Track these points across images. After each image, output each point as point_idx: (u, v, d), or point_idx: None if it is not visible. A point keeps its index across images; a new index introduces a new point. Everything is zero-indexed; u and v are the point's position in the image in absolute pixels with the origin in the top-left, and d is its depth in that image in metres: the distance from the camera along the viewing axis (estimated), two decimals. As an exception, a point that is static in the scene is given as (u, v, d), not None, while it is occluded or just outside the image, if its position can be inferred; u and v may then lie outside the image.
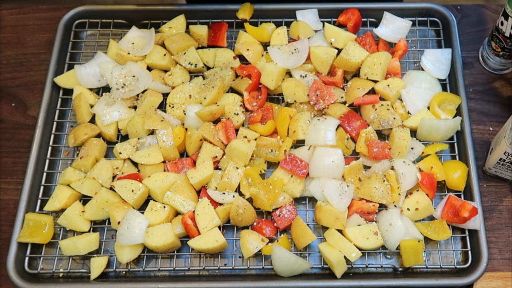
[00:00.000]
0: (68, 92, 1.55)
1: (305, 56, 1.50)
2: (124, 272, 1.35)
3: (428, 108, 1.46)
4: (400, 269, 1.32)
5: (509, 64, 1.52)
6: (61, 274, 1.35)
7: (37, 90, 1.59)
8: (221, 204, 1.35)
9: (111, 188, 1.38)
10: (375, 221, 1.34)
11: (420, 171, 1.36)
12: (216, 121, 1.47)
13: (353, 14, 1.58)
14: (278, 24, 1.61)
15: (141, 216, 1.31)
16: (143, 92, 1.51)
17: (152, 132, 1.45)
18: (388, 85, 1.46)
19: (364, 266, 1.33)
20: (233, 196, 1.34)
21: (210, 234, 1.29)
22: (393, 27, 1.57)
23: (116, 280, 1.33)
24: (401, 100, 1.47)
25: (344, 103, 1.48)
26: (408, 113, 1.45)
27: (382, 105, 1.44)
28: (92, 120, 1.49)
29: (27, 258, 1.34)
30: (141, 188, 1.35)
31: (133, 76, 1.49)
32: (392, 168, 1.36)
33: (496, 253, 1.36)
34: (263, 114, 1.45)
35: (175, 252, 1.35)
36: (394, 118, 1.41)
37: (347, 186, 1.33)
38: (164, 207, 1.34)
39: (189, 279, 1.32)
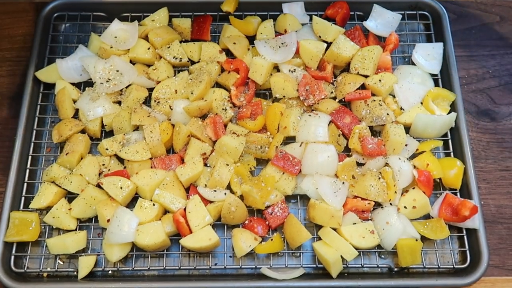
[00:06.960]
0: (49, 86, 1.51)
1: (294, 50, 1.47)
2: (112, 272, 1.31)
3: (421, 103, 1.45)
4: (395, 269, 1.31)
5: None
6: (46, 274, 1.31)
7: (18, 85, 1.54)
8: (211, 202, 1.32)
9: (98, 185, 1.33)
10: (370, 220, 1.32)
11: (415, 168, 1.35)
12: (202, 117, 1.43)
13: (341, 7, 1.57)
14: (263, 17, 1.58)
15: (131, 214, 1.28)
16: (127, 86, 1.46)
17: (137, 128, 1.41)
18: (380, 80, 1.44)
19: (360, 265, 1.31)
20: (225, 194, 1.31)
21: (203, 232, 1.27)
22: (382, 21, 1.56)
23: (104, 280, 1.30)
24: (393, 95, 1.45)
25: (334, 98, 1.46)
26: (401, 108, 1.44)
27: (374, 100, 1.42)
28: (75, 116, 1.45)
29: (12, 257, 1.30)
30: (130, 185, 1.31)
31: (117, 71, 1.44)
32: (387, 165, 1.34)
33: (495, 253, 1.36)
34: (252, 110, 1.42)
35: (165, 251, 1.32)
36: (388, 114, 1.40)
37: (342, 183, 1.32)
38: (154, 204, 1.30)
39: (180, 279, 1.30)
